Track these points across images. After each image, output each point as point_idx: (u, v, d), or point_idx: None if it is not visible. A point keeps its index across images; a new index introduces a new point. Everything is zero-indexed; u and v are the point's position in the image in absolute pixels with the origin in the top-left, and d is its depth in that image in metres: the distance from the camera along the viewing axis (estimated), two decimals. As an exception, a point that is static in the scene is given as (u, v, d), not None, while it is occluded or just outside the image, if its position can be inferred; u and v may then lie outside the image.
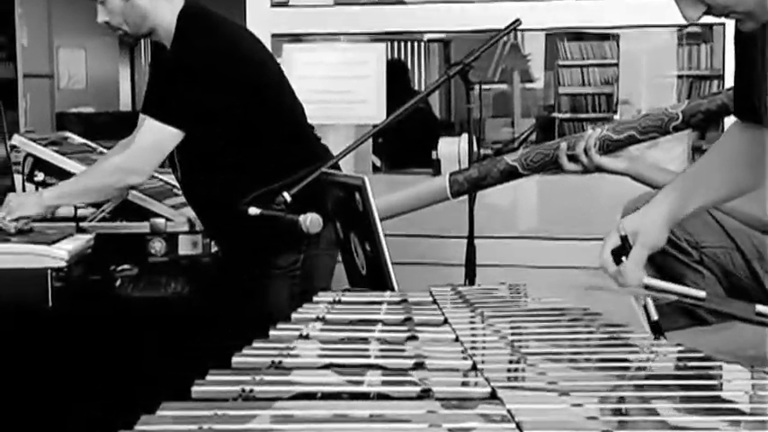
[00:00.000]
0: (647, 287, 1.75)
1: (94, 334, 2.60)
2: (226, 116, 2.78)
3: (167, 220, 3.09)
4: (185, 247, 3.09)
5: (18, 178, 3.22)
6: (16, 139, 3.24)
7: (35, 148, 3.20)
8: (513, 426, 1.03)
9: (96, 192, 2.88)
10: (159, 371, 2.45)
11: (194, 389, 1.18)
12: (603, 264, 1.81)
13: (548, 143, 2.67)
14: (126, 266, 2.97)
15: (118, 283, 2.82)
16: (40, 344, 2.53)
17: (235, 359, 1.33)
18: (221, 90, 2.74)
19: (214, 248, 3.15)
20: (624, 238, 1.79)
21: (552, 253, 3.98)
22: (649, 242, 1.81)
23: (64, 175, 3.11)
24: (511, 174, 2.66)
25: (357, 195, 2.07)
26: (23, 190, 3.21)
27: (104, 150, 3.46)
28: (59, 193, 2.87)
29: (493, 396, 1.16)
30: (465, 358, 1.35)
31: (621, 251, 1.79)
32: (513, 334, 1.51)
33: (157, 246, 3.05)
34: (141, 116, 3.11)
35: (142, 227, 3.07)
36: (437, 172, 4.01)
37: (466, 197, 2.81)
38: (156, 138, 2.78)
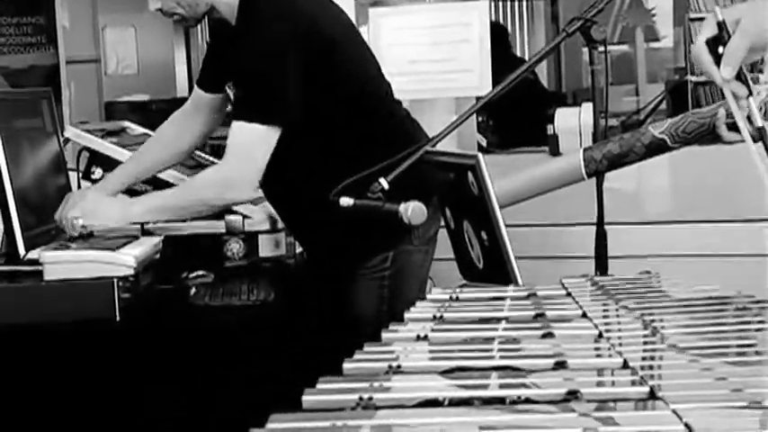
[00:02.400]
0: None
1: (169, 349, 2.66)
2: (306, 99, 2.81)
3: (245, 217, 3.13)
4: (266, 248, 3.13)
5: (73, 176, 3.29)
6: (69, 131, 3.31)
7: (91, 140, 3.27)
8: (682, 427, 1.04)
9: (191, 209, 2.90)
10: (245, 385, 2.50)
11: (305, 398, 1.21)
12: (697, 54, 1.76)
13: (702, 110, 2.65)
14: (200, 273, 3.02)
15: (192, 291, 2.87)
16: (110, 363, 2.60)
17: (346, 365, 1.36)
18: (302, 73, 2.77)
19: (299, 248, 3.19)
20: (722, 25, 1.74)
21: (688, 239, 3.96)
22: (753, 29, 1.71)
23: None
24: (658, 148, 2.64)
25: (470, 176, 2.08)
26: (79, 189, 3.28)
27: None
28: (149, 209, 2.91)
29: (652, 396, 1.17)
30: (613, 355, 1.36)
31: (718, 40, 1.74)
32: (665, 327, 1.51)
33: (235, 247, 3.10)
34: (196, 89, 3.17)
35: (216, 226, 3.11)
36: (554, 149, 4.00)
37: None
38: (251, 141, 2.78)
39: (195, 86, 3.24)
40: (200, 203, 2.87)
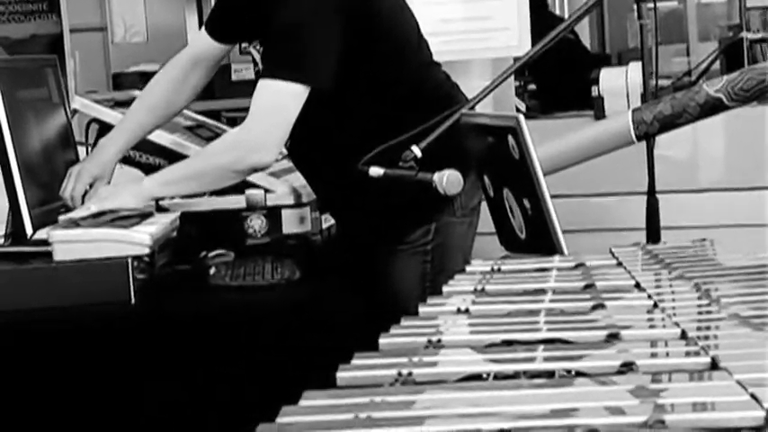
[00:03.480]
0: None
1: (188, 333, 2.67)
2: (340, 60, 2.80)
3: (266, 191, 3.13)
4: (290, 224, 3.13)
5: (82, 150, 3.30)
6: (77, 102, 3.33)
7: (100, 111, 3.28)
8: (748, 398, 1.05)
9: (210, 177, 2.85)
10: (272, 367, 2.52)
11: (339, 375, 1.22)
12: None
13: (761, 65, 2.66)
14: (220, 251, 3.03)
15: (211, 271, 2.88)
16: (125, 349, 2.61)
17: (382, 340, 1.37)
18: (337, 31, 2.77)
19: (326, 224, 3.19)
20: None
21: (745, 208, 3.96)
22: None
23: (139, 143, 3.19)
24: (714, 107, 2.64)
25: (511, 140, 2.09)
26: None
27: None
28: (165, 181, 2.88)
29: (714, 367, 1.18)
30: (669, 326, 1.37)
31: None
32: (723, 296, 1.52)
33: (257, 224, 3.11)
34: (202, 38, 3.12)
35: (236, 201, 3.12)
36: (600, 113, 3.98)
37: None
38: (278, 100, 2.76)
39: (201, 34, 3.16)
40: (219, 169, 2.83)
